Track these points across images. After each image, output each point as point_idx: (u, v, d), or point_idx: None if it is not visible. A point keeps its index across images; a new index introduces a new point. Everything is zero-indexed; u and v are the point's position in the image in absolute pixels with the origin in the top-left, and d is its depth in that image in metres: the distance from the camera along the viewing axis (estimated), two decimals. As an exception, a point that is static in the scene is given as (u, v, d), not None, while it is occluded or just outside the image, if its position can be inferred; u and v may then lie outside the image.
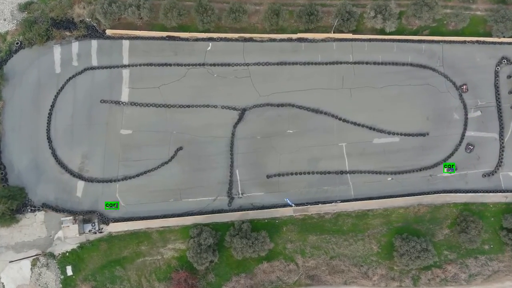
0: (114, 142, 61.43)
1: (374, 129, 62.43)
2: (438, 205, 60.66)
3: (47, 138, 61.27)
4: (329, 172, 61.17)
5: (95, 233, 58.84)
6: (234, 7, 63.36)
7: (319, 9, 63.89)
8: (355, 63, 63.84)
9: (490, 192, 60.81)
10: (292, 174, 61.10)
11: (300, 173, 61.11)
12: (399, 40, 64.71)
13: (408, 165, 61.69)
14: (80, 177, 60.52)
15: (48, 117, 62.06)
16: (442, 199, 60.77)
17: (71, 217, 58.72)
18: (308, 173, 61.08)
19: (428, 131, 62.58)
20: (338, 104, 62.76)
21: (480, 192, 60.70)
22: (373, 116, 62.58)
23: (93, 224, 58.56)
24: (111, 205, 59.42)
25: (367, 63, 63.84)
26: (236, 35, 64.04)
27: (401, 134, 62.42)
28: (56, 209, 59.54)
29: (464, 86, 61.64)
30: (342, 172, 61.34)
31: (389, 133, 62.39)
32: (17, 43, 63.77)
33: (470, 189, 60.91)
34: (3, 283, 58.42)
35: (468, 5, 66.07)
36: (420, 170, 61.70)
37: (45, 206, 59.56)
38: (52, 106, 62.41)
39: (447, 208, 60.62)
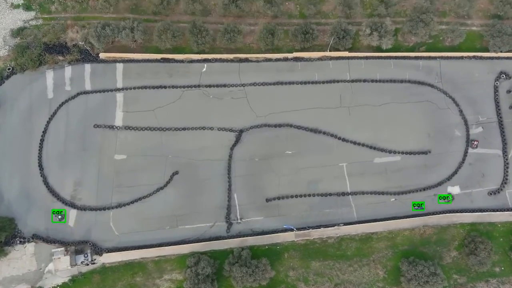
0: (107, 168, 50.05)
1: (374, 148, 51.21)
2: (445, 226, 49.26)
3: (39, 165, 49.87)
4: (330, 194, 49.78)
5: (88, 264, 47.23)
6: (228, 28, 52.65)
7: (314, 28, 53.35)
8: (352, 81, 52.88)
9: (497, 211, 49.54)
10: (292, 197, 49.78)
11: (301, 196, 49.86)
12: (396, 57, 54.06)
13: (411, 184, 50.42)
14: (73, 205, 49.15)
15: (40, 143, 50.88)
16: (448, 220, 49.43)
17: (62, 248, 47.33)
18: (309, 195, 49.76)
19: (430, 149, 51.33)
20: (337, 123, 51.70)
21: (486, 211, 49.43)
22: (373, 134, 51.49)
23: (86, 255, 47.00)
24: (57, 212, 48.07)
25: (364, 80, 52.87)
26: (231, 56, 53.21)
27: (402, 153, 51.20)
28: (47, 240, 48.03)
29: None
30: (343, 194, 49.94)
31: (390, 152, 51.13)
32: (8, 69, 52.91)
33: (476, 208, 49.58)
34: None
35: (464, 20, 55.45)
36: (424, 189, 50.29)
37: (36, 237, 48.16)
38: (44, 132, 51.26)
39: (454, 229, 49.23)
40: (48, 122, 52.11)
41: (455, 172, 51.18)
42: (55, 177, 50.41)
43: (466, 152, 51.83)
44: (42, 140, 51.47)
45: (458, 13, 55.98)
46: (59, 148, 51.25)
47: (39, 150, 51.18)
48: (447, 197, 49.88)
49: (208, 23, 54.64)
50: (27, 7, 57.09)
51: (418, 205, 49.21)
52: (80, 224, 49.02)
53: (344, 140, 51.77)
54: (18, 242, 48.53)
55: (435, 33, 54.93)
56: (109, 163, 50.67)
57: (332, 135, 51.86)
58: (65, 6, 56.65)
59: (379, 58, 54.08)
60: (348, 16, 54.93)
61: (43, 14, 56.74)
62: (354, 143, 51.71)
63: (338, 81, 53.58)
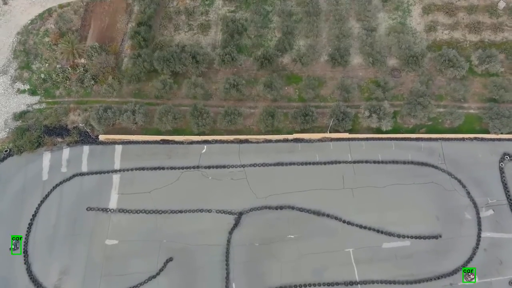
0: (97, 254, 48.40)
1: (382, 232, 49.98)
2: (466, 321, 45.39)
3: (23, 252, 47.82)
4: (337, 283, 47.36)
5: None
6: (229, 111, 55.18)
7: (313, 110, 55.59)
8: (354, 162, 53.67)
9: (523, 303, 45.93)
10: (295, 286, 46.90)
11: (305, 285, 47.18)
12: (396, 139, 55.75)
13: (424, 272, 48.11)
14: (55, 296, 45.90)
15: (28, 228, 49.33)
16: (469, 314, 45.68)
17: None
18: (314, 285, 47.13)
19: (441, 233, 50.01)
20: (340, 205, 51.08)
21: (511, 303, 45.84)
22: (379, 217, 50.55)
23: None
24: (16, 239, 46.91)
25: (366, 162, 53.70)
26: (231, 137, 54.81)
27: (411, 237, 49.90)
28: (22, 338, 43.75)
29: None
30: (352, 283, 47.35)
31: (398, 236, 49.77)
32: (6, 151, 54.27)
33: (500, 300, 46.12)
34: None
35: (460, 104, 58.32)
36: (438, 278, 47.61)
37: (9, 335, 43.79)
38: (34, 215, 50.25)
39: (477, 325, 45.22)
40: (40, 205, 51.58)
41: (470, 259, 49.00)
42: (40, 264, 48.42)
43: (479, 237, 50.23)
44: (30, 224, 50.26)
45: (454, 97, 58.95)
46: (48, 232, 50.04)
47: (26, 235, 49.67)
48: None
49: (209, 106, 57.29)
50: (33, 92, 60.48)
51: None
52: (61, 319, 45.44)
53: (349, 223, 50.71)
54: None
55: (434, 115, 57.18)
56: (99, 249, 48.99)
57: (336, 218, 50.92)
58: (69, 91, 60.07)
59: (379, 139, 55.54)
60: (346, 99, 57.79)
61: (48, 98, 59.89)
62: (360, 226, 50.55)
63: (339, 162, 54.29)
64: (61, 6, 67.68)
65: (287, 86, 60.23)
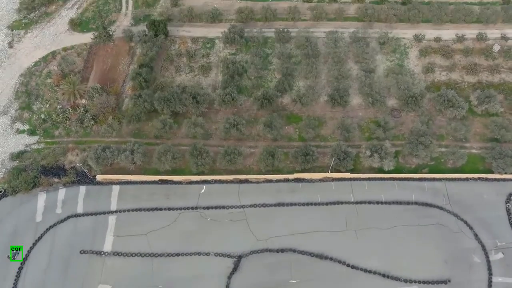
0: (89, 300, 46.13)
1: (388, 277, 48.44)
2: None
3: (11, 299, 46.13)
4: (342, 333, 44.81)
5: None
6: (229, 150, 55.62)
7: (314, 150, 55.88)
8: (356, 203, 53.21)
9: None
10: (298, 336, 44.58)
11: (308, 335, 44.61)
12: (399, 179, 55.73)
13: (434, 320, 45.66)
14: None
15: (17, 271, 47.95)
16: None
17: None
18: (318, 334, 44.65)
19: (449, 278, 48.72)
20: (344, 248, 50.08)
21: None
22: (384, 260, 49.42)
23: None
24: (16, 249, 47.84)
25: (369, 202, 53.31)
26: (231, 177, 54.77)
27: (419, 282, 48.56)
28: None
29: None
30: (358, 333, 44.94)
31: (405, 281, 48.37)
32: (0, 191, 53.36)
33: None
34: None
35: (462, 143, 58.68)
36: (451, 327, 45.46)
37: None
38: (25, 258, 48.86)
39: None
40: (31, 248, 50.42)
41: (483, 306, 47.17)
42: (27, 312, 46.21)
43: (490, 282, 48.69)
44: (20, 268, 48.89)
45: (455, 137, 59.55)
46: (38, 277, 48.75)
47: (15, 280, 48.16)
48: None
49: (208, 146, 57.74)
50: (32, 132, 61.17)
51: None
52: None
53: (353, 267, 49.34)
54: None
55: (436, 155, 57.47)
56: (94, 294, 47.15)
57: (340, 262, 49.65)
58: (69, 131, 60.78)
59: (382, 179, 55.45)
60: (347, 139, 58.35)
61: (46, 138, 60.49)
62: (365, 270, 49.07)
63: (342, 203, 53.83)
64: (65, 49, 70.16)
65: (287, 126, 61.02)
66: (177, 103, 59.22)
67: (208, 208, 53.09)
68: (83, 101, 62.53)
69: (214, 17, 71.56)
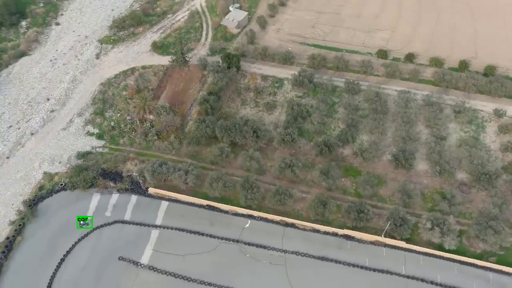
0: (116, 309, 46.76)
1: None
2: None
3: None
4: None
5: None
6: (280, 190, 55.91)
7: (369, 209, 54.26)
8: (408, 277, 50.25)
9: None
10: None
11: None
12: (460, 262, 51.60)
13: None
14: None
15: (58, 264, 50.30)
16: None
17: None
18: None
19: None
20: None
21: None
22: None
23: None
24: (83, 219, 51.61)
25: (422, 280, 50.26)
26: (277, 218, 54.53)
27: None
28: None
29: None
30: None
31: None
32: (61, 184, 58.12)
33: None
34: None
35: (540, 237, 53.62)
36: None
37: None
38: (68, 252, 51.62)
39: None
40: (76, 243, 52.61)
41: None
42: (58, 306, 47.58)
43: None
44: (62, 260, 51.13)
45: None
46: (75, 273, 50.60)
47: (54, 271, 50.30)
48: None
49: (260, 181, 58.33)
50: (100, 136, 65.73)
51: None
52: None
53: None
54: None
55: (507, 244, 52.84)
56: (119, 304, 47.74)
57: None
58: (133, 141, 64.56)
59: (440, 258, 51.77)
60: (406, 205, 56.01)
61: (111, 144, 64.56)
62: None
63: (391, 273, 50.90)
64: (143, 67, 76.17)
65: (344, 178, 60.23)
66: (238, 134, 61.14)
67: (249, 244, 52.86)
68: (151, 116, 66.54)
69: (287, 59, 74.61)
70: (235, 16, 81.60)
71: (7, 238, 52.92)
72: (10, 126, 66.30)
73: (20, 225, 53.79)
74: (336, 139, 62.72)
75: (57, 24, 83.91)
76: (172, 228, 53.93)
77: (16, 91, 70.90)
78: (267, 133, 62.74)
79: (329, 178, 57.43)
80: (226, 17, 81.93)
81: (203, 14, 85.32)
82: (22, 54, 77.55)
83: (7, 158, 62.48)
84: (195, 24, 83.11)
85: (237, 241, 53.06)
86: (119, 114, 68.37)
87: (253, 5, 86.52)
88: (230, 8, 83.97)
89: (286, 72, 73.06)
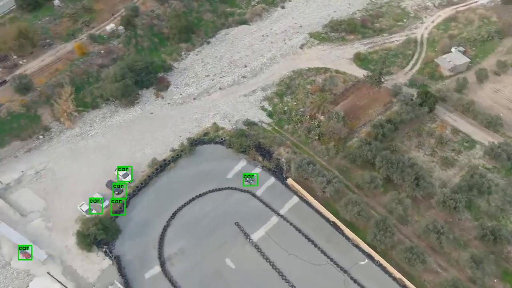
0: (212, 268, 49.78)
1: None
2: None
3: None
4: None
5: None
6: (415, 250, 51.70)
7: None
8: None
9: None
10: None
11: None
12: None
13: None
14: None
15: (187, 201, 57.30)
16: None
17: None
18: None
19: None
20: None
21: None
22: None
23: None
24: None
25: None
26: (398, 275, 50.91)
27: None
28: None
29: None
30: None
31: None
32: (221, 139, 64.45)
33: None
34: None
35: None
36: None
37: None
38: (199, 196, 57.37)
39: None
40: (209, 191, 58.28)
41: None
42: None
43: None
44: (191, 199, 57.47)
45: None
46: (197, 215, 56.32)
47: (181, 205, 56.59)
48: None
49: (397, 229, 54.25)
50: (270, 115, 70.40)
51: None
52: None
53: None
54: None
55: None
56: (216, 264, 51.26)
57: None
58: (295, 131, 66.84)
59: None
60: None
61: (276, 126, 68.26)
62: None
63: None
64: (337, 71, 77.51)
65: (498, 279, 50.41)
66: (398, 172, 57.03)
67: (355, 281, 49.21)
68: (322, 117, 67.52)
69: (491, 123, 65.75)
70: (453, 58, 75.79)
71: (164, 160, 61.27)
72: (207, 75, 76.18)
73: (178, 155, 61.64)
74: (509, 232, 52.70)
75: (283, 7, 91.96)
76: (291, 224, 54.17)
77: (225, 50, 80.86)
78: (429, 186, 56.96)
79: (479, 269, 48.82)
80: (444, 56, 76.69)
81: (420, 45, 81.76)
82: (244, 22, 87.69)
83: (194, 99, 72.11)
84: (407, 51, 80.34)
85: (345, 271, 50.28)
86: (295, 103, 71.52)
87: (480, 55, 78.54)
88: (452, 49, 78.12)
89: (483, 137, 64.67)
